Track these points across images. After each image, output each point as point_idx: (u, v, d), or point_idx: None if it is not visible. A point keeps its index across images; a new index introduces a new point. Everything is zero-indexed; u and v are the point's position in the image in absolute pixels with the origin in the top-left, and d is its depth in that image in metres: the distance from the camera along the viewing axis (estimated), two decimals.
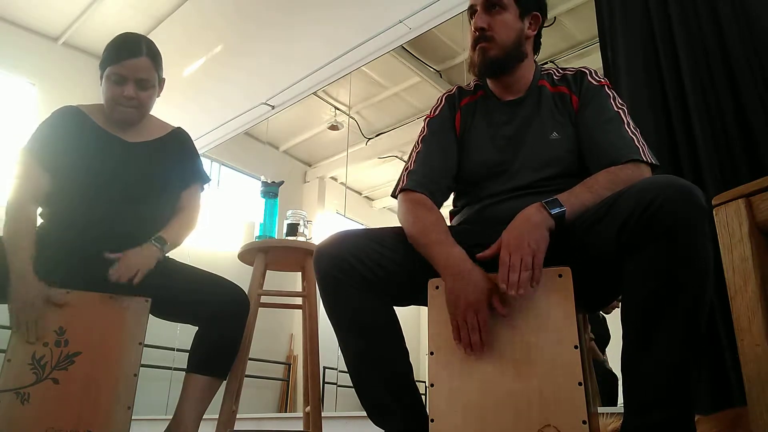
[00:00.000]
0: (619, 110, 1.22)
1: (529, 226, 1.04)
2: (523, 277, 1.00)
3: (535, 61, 1.37)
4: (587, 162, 1.22)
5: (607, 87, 1.27)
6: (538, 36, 1.35)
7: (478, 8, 1.29)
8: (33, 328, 1.35)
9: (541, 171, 1.23)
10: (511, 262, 1.01)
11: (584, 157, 1.23)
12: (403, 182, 1.28)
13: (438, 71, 3.59)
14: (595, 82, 1.27)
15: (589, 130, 1.22)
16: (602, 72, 1.98)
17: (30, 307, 1.35)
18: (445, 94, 1.40)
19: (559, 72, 1.33)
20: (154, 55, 1.59)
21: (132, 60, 1.53)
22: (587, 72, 1.30)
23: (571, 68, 1.33)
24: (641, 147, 1.16)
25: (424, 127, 1.37)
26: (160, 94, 1.67)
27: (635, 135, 1.18)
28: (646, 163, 1.14)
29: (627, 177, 1.10)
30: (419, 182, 1.27)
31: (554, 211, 1.05)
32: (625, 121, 1.21)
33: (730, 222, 0.96)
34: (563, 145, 1.24)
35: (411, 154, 1.35)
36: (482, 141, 1.31)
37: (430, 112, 1.39)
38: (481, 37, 1.28)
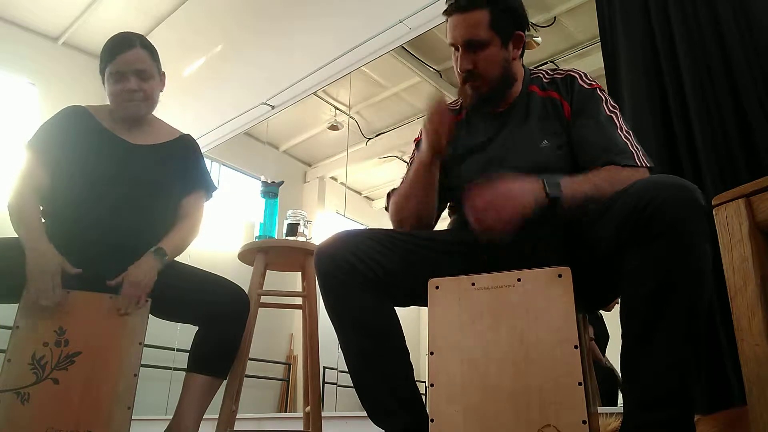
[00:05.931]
0: (612, 114, 1.21)
1: (519, 185, 1.06)
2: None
3: (523, 65, 1.35)
4: (582, 165, 1.20)
5: (599, 90, 1.25)
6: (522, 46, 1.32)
7: (460, 48, 1.26)
8: (51, 295, 1.34)
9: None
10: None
11: (579, 160, 1.21)
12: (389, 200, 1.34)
13: (438, 71, 3.58)
14: (586, 86, 1.26)
15: (582, 136, 1.21)
16: (602, 72, 1.98)
17: (49, 275, 1.35)
18: None
19: (548, 75, 1.31)
20: (148, 47, 1.60)
21: (126, 53, 1.54)
22: (578, 76, 1.27)
23: (561, 70, 1.31)
24: (635, 151, 1.15)
25: (413, 150, 1.40)
26: (163, 89, 1.67)
27: (629, 139, 1.18)
28: (642, 167, 1.14)
29: (626, 178, 1.10)
30: None
31: (552, 195, 1.06)
32: (618, 125, 1.20)
33: (730, 222, 0.95)
34: (554, 153, 1.22)
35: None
36: (471, 154, 1.31)
37: (419, 134, 1.39)
38: (468, 77, 1.26)
